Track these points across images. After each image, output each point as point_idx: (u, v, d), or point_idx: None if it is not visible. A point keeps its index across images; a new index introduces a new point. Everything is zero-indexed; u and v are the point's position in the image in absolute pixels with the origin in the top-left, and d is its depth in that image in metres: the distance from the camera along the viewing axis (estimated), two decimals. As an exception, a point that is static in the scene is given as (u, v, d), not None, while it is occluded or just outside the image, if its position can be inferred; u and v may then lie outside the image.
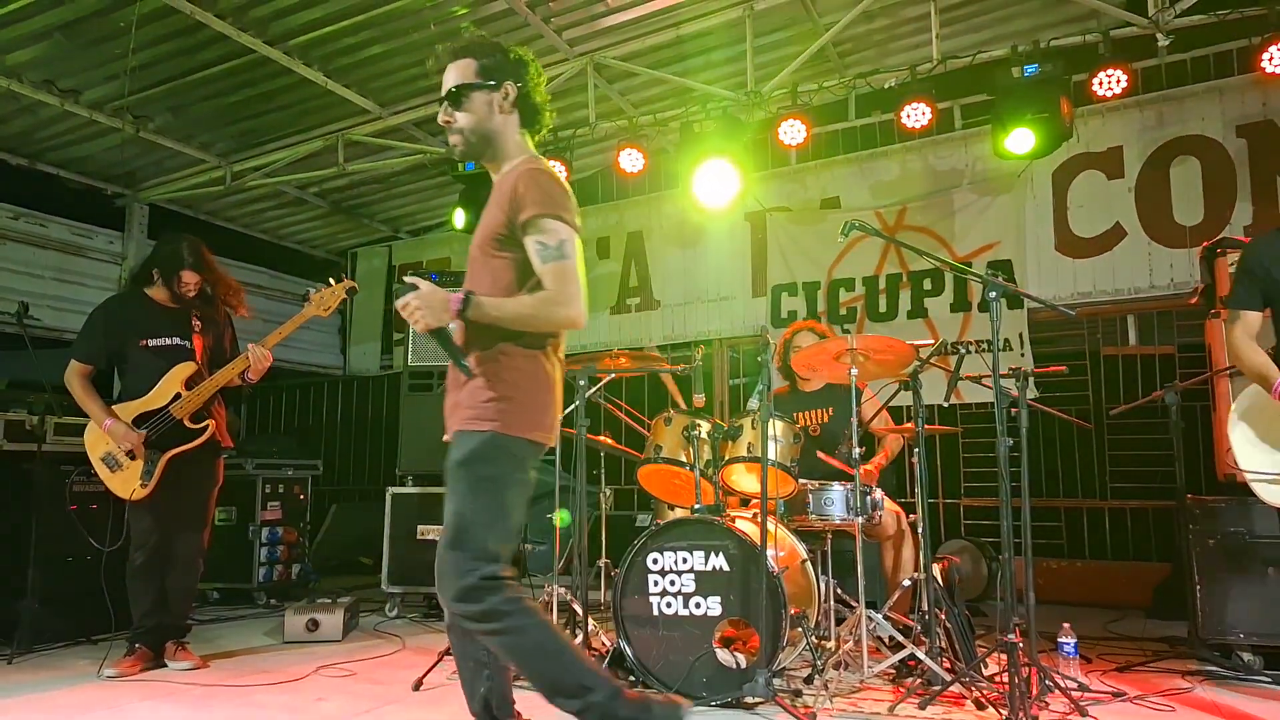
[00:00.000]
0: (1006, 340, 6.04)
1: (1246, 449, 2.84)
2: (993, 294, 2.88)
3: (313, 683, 3.50)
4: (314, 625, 4.37)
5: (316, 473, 6.25)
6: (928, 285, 6.47)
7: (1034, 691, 2.95)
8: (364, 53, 5.54)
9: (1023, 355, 5.93)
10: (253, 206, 7.78)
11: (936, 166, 6.57)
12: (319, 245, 8.83)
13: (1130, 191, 5.88)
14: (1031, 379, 5.87)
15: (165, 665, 3.74)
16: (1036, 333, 6.10)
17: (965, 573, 5.22)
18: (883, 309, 6.63)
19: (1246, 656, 3.55)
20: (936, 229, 6.47)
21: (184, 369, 3.75)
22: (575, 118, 6.23)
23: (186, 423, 3.70)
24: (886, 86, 5.43)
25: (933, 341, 6.23)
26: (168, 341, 3.79)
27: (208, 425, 3.75)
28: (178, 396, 3.69)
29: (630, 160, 5.83)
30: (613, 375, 3.67)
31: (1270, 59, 4.58)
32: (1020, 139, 4.95)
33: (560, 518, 3.87)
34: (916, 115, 5.14)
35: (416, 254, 8.61)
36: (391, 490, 5.17)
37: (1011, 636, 2.74)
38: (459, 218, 6.33)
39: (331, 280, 3.62)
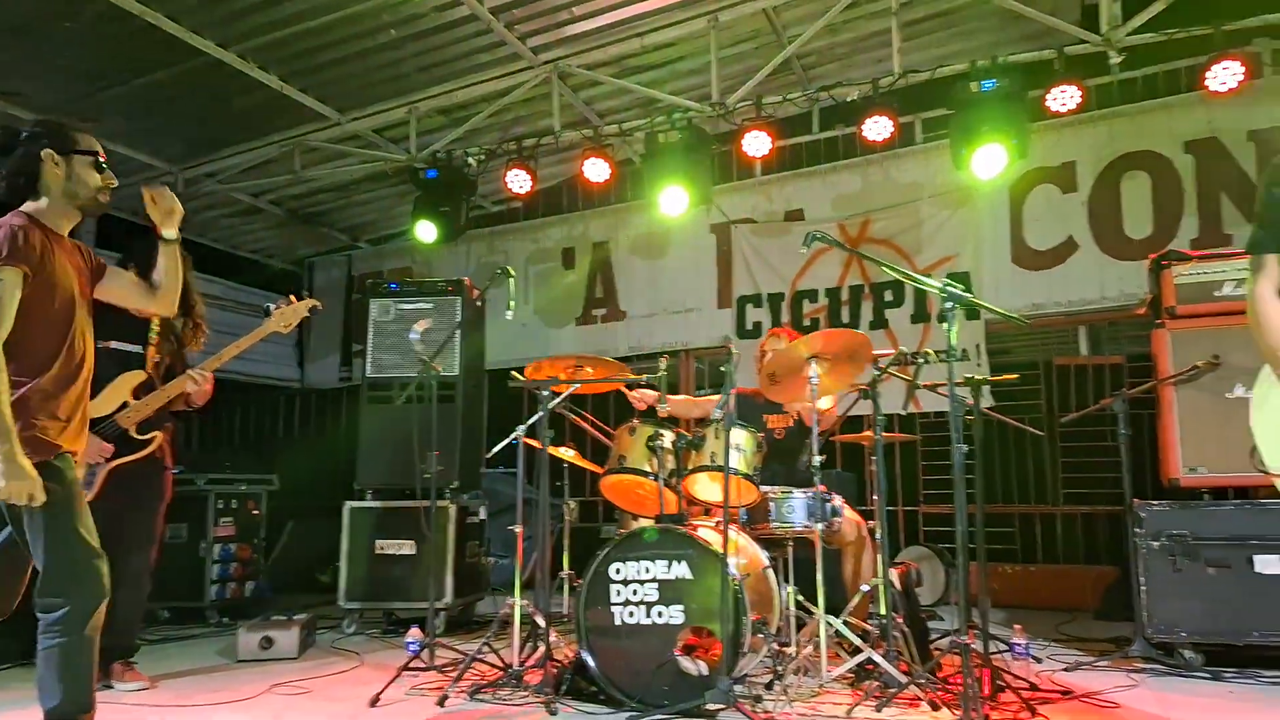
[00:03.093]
0: (964, 350, 6.11)
1: (1274, 446, 2.13)
2: (949, 304, 2.92)
3: (266, 701, 3.41)
4: (268, 643, 4.26)
5: (272, 488, 6.12)
6: (889, 297, 6.56)
7: (986, 692, 2.98)
8: (323, 57, 5.48)
9: (979, 365, 6.04)
10: (206, 214, 7.62)
11: (898, 179, 6.67)
12: (275, 254, 8.69)
13: (1083, 205, 6.02)
14: (987, 387, 6.08)
15: (112, 686, 3.62)
16: (993, 343, 6.23)
17: (920, 578, 5.27)
18: (845, 320, 6.70)
19: (1188, 654, 3.64)
20: (898, 241, 6.56)
21: (133, 377, 3.64)
22: (540, 126, 6.23)
23: (132, 433, 3.59)
24: (849, 100, 5.51)
25: (893, 351, 6.38)
26: (125, 347, 3.69)
27: (154, 437, 3.66)
28: (125, 405, 3.58)
29: (595, 170, 5.83)
30: (577, 386, 3.64)
31: (1214, 77, 4.74)
32: (988, 161, 5.03)
33: None
34: (878, 128, 5.22)
35: (376, 263, 8.52)
36: (349, 505, 5.07)
37: (964, 639, 2.77)
38: (426, 230, 6.24)
39: (294, 296, 3.55)
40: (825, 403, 3.65)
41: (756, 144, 5.42)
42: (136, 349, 3.73)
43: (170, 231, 2.70)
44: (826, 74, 6.16)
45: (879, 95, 5.23)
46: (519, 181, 5.97)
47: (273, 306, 3.45)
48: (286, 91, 5.71)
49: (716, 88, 5.54)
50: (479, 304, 5.31)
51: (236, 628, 4.46)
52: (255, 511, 5.91)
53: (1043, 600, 5.60)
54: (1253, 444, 2.13)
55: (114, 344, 3.67)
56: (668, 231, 7.26)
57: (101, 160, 2.56)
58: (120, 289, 2.74)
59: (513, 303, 3.74)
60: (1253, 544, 3.61)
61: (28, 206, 2.51)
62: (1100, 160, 5.99)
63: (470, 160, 6.22)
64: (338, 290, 8.64)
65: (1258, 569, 3.60)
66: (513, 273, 3.73)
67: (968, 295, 3.01)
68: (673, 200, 5.64)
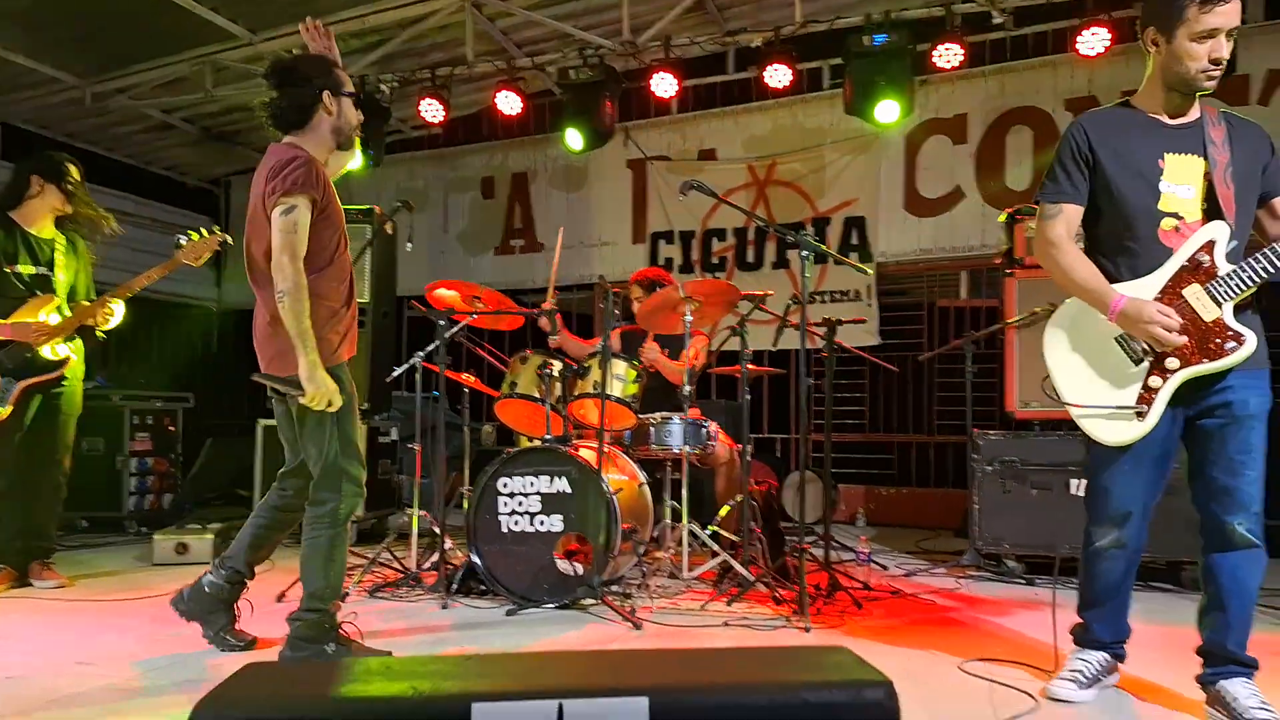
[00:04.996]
0: (856, 290, 6.57)
1: (1070, 380, 2.32)
2: (805, 253, 3.27)
3: (179, 598, 3.69)
4: (183, 549, 4.52)
5: (187, 405, 6.27)
6: (791, 239, 6.89)
7: (824, 589, 3.45)
8: (234, -24, 5.44)
9: (869, 305, 6.47)
10: (116, 129, 7.49)
11: (805, 124, 6.94)
12: (189, 172, 8.56)
13: (971, 157, 6.40)
14: (876, 324, 6.53)
15: (30, 584, 3.88)
16: (890, 284, 6.69)
17: (780, 496, 5.71)
18: (750, 259, 7.06)
19: (1010, 563, 4.19)
20: (802, 184, 6.89)
21: (44, 300, 3.82)
22: (456, 54, 6.28)
23: (44, 354, 3.79)
24: (753, 45, 5.72)
25: (791, 292, 6.75)
26: (32, 270, 3.84)
27: (66, 358, 3.86)
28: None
29: (507, 103, 5.96)
30: (474, 315, 3.90)
31: (1084, 42, 5.11)
32: (886, 110, 5.33)
33: None
34: (777, 76, 5.48)
35: (296, 185, 8.48)
36: (262, 422, 5.28)
37: (801, 545, 3.21)
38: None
39: (204, 230, 3.64)
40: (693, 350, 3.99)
41: (663, 85, 5.63)
42: (47, 272, 3.87)
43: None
44: (741, 14, 6.29)
45: (780, 43, 5.46)
46: (432, 111, 6.06)
47: (183, 239, 3.58)
48: (195, 9, 5.65)
49: (628, 25, 5.68)
50: (390, 232, 5.46)
51: (153, 536, 4.70)
52: (171, 428, 6.07)
53: (915, 519, 6.19)
54: (1045, 375, 2.38)
55: (15, 267, 3.80)
56: (586, 165, 7.44)
57: (359, 98, 2.75)
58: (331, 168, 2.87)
59: (411, 239, 3.93)
60: (1070, 469, 4.11)
61: (294, 139, 2.66)
62: (989, 114, 6.36)
63: (383, 87, 6.26)
64: (256, 211, 8.60)
65: (1073, 491, 4.10)
66: (413, 207, 3.92)
67: (820, 245, 3.36)
68: (579, 138, 5.83)
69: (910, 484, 6.63)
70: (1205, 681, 2.27)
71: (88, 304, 3.89)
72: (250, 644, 2.93)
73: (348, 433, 2.67)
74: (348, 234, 2.82)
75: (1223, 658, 2.24)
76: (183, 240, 3.61)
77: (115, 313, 3.89)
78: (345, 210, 5.58)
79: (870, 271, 3.92)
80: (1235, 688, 2.19)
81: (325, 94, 2.65)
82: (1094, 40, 5.04)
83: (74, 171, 3.91)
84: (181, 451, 6.20)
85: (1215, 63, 2.11)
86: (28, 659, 2.79)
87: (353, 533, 5.16)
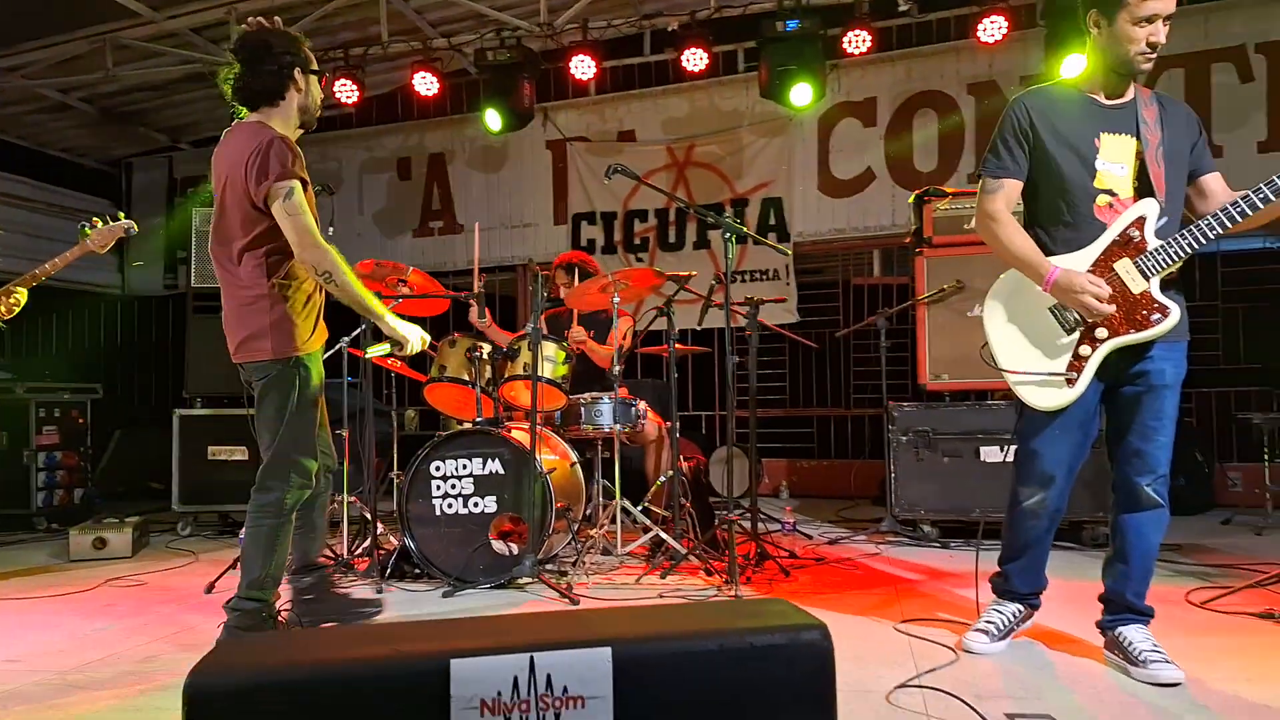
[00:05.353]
0: (775, 270, 6.76)
1: (1006, 348, 2.44)
2: (726, 234, 3.38)
3: (103, 592, 3.60)
4: (101, 544, 4.38)
5: (95, 396, 6.03)
6: (712, 220, 7.02)
7: (753, 559, 3.60)
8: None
9: (788, 284, 6.67)
10: (9, 110, 7.06)
11: (721, 107, 7.06)
12: (88, 154, 8.15)
13: (881, 139, 6.63)
14: (794, 303, 6.73)
15: (-64, 588, 3.71)
16: (807, 263, 6.89)
17: (708, 472, 5.90)
18: (672, 240, 7.16)
19: (926, 528, 4.44)
20: (720, 166, 7.02)
21: None
22: (370, 33, 6.16)
23: None
24: (669, 29, 5.79)
25: (712, 271, 6.90)
26: None
27: None
28: None
29: (424, 83, 5.88)
30: (399, 299, 3.87)
31: (984, 29, 5.36)
32: (801, 93, 5.48)
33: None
34: (694, 59, 5.57)
35: (200, 167, 8.15)
36: (179, 412, 5.13)
37: (731, 517, 3.35)
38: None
39: (109, 217, 3.57)
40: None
41: (581, 67, 5.65)
42: None
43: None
44: (659, -5, 6.37)
45: (695, 26, 5.55)
46: (346, 91, 5.94)
47: (88, 226, 3.48)
48: (92, -16, 5.40)
49: (545, 6, 5.67)
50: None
51: (67, 532, 4.54)
52: (80, 420, 5.84)
53: (836, 489, 6.45)
54: (984, 341, 2.45)
55: None
56: (505, 146, 7.40)
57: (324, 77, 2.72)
58: None
59: (333, 223, 3.87)
60: (979, 437, 4.35)
61: (261, 117, 2.58)
62: (897, 97, 6.60)
63: (296, 67, 6.08)
64: (159, 194, 8.27)
65: (982, 458, 4.35)
66: (333, 191, 3.86)
67: (740, 226, 3.48)
68: (498, 119, 5.81)
69: (830, 456, 6.88)
70: (1105, 627, 2.49)
71: None
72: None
73: (305, 423, 2.64)
74: None
75: (1122, 606, 2.45)
76: (88, 227, 3.52)
77: (20, 302, 3.74)
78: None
79: (789, 251, 4.08)
80: (1131, 633, 2.40)
81: (297, 71, 2.61)
82: (993, 28, 5.30)
83: None
84: (91, 444, 5.96)
85: (1152, 46, 2.23)
86: (-53, 662, 2.71)
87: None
